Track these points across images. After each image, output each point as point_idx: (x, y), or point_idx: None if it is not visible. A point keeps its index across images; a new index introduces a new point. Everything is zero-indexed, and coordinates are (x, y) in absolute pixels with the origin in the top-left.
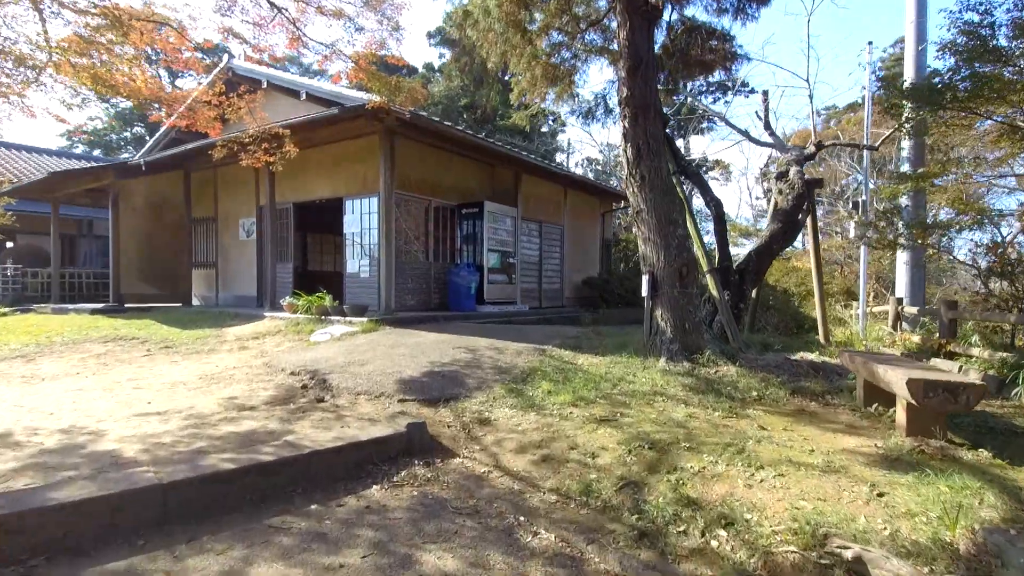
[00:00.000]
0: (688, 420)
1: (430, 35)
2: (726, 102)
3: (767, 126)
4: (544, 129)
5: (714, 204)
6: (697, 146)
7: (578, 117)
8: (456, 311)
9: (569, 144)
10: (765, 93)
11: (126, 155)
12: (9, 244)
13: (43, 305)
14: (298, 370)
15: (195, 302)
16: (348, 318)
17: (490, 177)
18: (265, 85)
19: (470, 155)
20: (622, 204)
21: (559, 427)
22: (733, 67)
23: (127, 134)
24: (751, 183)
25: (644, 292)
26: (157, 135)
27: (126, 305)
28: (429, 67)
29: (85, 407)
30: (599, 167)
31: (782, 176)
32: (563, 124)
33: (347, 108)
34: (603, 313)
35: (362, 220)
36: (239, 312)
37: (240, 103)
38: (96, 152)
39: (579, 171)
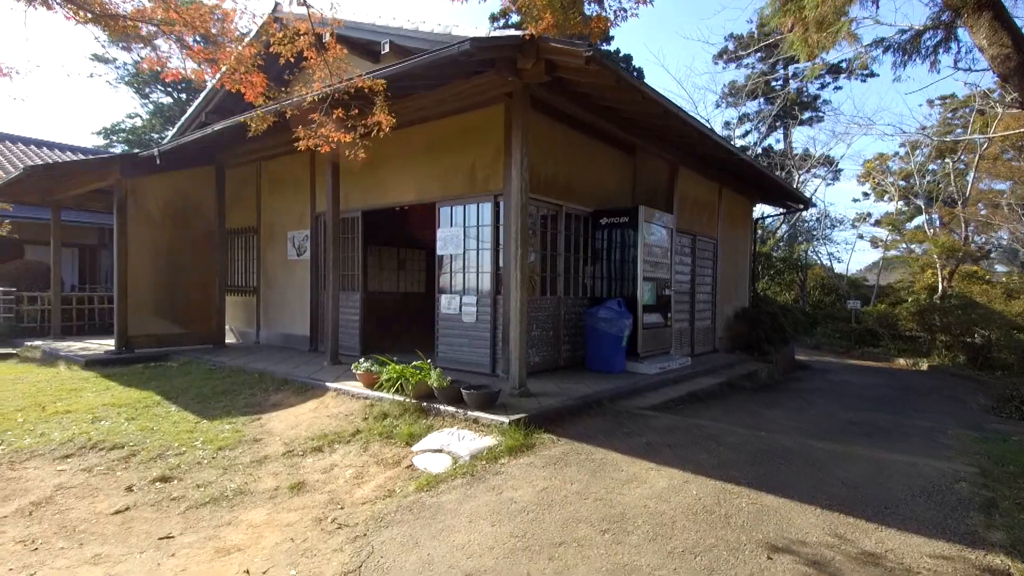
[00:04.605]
0: None
1: None
2: (835, 87)
3: None
4: None
5: None
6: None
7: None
8: (599, 370)
9: None
10: None
11: None
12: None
13: (36, 343)
14: None
15: (229, 339)
16: (470, 412)
17: (633, 171)
18: (328, 38)
19: (617, 138)
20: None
21: None
22: None
23: (169, 132)
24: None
25: None
26: (184, 118)
27: (136, 351)
28: None
29: None
30: None
31: None
32: None
33: (481, 40)
34: (775, 359)
35: (466, 236)
36: (289, 375)
37: (301, 24)
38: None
39: None
